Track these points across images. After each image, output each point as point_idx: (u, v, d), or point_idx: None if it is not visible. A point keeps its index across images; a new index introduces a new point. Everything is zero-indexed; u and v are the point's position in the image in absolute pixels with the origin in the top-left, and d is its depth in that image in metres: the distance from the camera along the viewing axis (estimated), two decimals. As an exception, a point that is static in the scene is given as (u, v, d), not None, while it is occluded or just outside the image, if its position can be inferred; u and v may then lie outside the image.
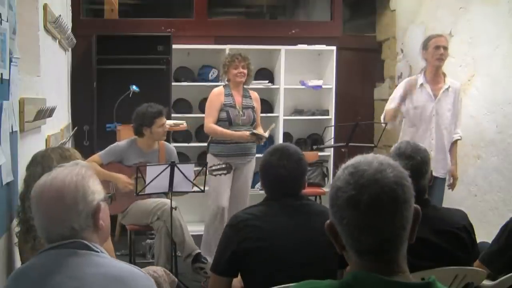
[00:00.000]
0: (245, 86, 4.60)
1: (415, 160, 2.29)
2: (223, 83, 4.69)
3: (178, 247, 4.07)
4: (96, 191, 1.61)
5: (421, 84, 4.15)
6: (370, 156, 1.21)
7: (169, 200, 3.85)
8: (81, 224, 1.56)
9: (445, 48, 4.11)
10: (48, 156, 2.34)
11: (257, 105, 4.62)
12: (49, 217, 1.55)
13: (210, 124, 4.44)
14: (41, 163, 2.30)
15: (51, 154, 2.37)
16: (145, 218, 4.01)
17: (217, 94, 4.49)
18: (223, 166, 4.12)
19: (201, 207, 5.36)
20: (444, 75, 4.20)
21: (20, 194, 2.33)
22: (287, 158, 2.28)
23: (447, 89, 4.13)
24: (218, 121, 4.42)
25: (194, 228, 4.83)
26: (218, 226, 4.40)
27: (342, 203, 1.17)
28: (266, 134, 4.55)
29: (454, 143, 4.21)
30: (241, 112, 4.44)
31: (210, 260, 3.66)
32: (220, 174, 4.14)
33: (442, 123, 4.12)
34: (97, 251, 1.56)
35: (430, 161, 2.38)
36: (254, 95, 4.66)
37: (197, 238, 4.33)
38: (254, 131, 4.49)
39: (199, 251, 4.04)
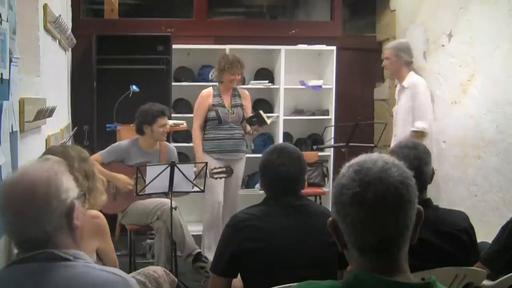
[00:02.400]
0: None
1: (418, 150, 2.30)
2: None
3: (178, 247, 4.07)
4: (70, 188, 1.49)
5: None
6: (375, 155, 1.22)
7: (168, 200, 3.85)
8: (54, 224, 1.44)
9: (386, 58, 4.57)
10: (67, 153, 2.31)
11: (246, 102, 4.69)
12: (20, 217, 1.42)
13: (196, 130, 4.59)
14: None
15: (70, 152, 2.35)
16: (144, 218, 4.01)
17: (206, 96, 4.58)
18: (224, 169, 4.15)
19: (201, 207, 5.36)
20: (408, 75, 4.44)
21: None
22: (287, 156, 2.29)
23: (403, 87, 4.39)
24: (208, 121, 4.52)
25: (194, 228, 4.83)
26: (215, 221, 4.42)
27: (346, 200, 1.17)
28: (268, 121, 4.61)
29: (411, 137, 4.27)
30: (230, 110, 4.53)
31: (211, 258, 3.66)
32: (221, 177, 4.17)
33: (398, 121, 4.45)
34: (68, 259, 1.44)
35: (431, 156, 2.38)
36: (244, 93, 4.73)
37: (197, 238, 4.33)
38: (260, 111, 4.59)
39: (199, 250, 4.04)
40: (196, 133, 4.59)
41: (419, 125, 4.37)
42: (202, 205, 4.74)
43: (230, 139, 4.52)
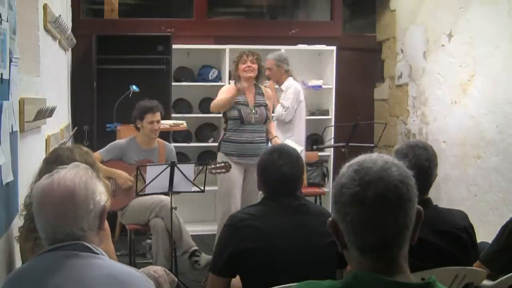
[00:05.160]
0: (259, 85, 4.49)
1: (428, 151, 2.30)
2: (224, 83, 4.62)
3: (176, 245, 4.05)
4: (102, 192, 1.63)
5: None
6: (374, 155, 1.22)
7: (166, 197, 3.85)
8: (90, 224, 1.57)
9: (268, 68, 4.95)
10: (74, 159, 2.31)
11: (270, 102, 4.51)
12: (60, 216, 1.53)
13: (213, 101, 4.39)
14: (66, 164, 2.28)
15: (76, 157, 2.35)
16: (143, 215, 4.03)
17: (229, 87, 4.40)
18: (222, 165, 4.09)
19: (201, 207, 5.37)
20: (286, 80, 5.07)
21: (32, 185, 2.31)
22: (287, 157, 2.29)
23: (282, 90, 5.03)
24: (230, 120, 4.32)
25: (194, 228, 4.83)
26: None
27: (346, 199, 1.17)
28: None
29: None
30: (253, 110, 4.33)
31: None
32: (219, 173, 4.11)
33: None
34: (97, 253, 1.56)
35: (437, 157, 2.38)
36: (267, 92, 4.55)
37: (196, 238, 4.31)
38: None
39: (196, 248, 4.02)
40: (214, 100, 4.36)
41: (277, 109, 4.92)
42: (205, 208, 4.68)
43: (251, 143, 4.30)
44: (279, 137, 4.63)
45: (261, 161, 2.35)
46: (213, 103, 4.40)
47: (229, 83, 4.50)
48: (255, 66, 4.37)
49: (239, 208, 4.24)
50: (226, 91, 4.40)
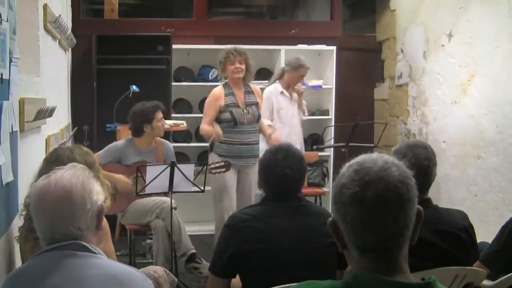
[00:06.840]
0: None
1: (428, 150, 2.30)
2: (222, 83, 4.59)
3: (176, 246, 4.05)
4: (100, 191, 1.63)
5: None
6: (374, 155, 1.22)
7: (168, 199, 3.84)
8: (87, 223, 1.57)
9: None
10: (74, 159, 2.31)
11: (260, 100, 4.49)
12: (57, 216, 1.54)
13: (202, 126, 4.33)
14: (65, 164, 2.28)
15: (77, 157, 2.35)
16: (144, 216, 4.01)
17: (217, 96, 4.32)
18: (222, 164, 4.04)
19: (201, 207, 5.36)
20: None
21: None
22: (291, 158, 2.27)
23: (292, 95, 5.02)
24: (223, 122, 4.26)
25: (194, 228, 4.83)
26: None
27: (346, 199, 1.17)
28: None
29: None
30: (245, 110, 4.30)
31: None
32: (219, 172, 4.08)
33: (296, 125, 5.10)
34: (95, 253, 1.57)
35: (436, 157, 2.37)
36: (256, 90, 4.50)
37: (195, 238, 4.31)
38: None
39: (194, 251, 4.00)
40: (204, 128, 4.30)
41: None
42: (205, 208, 4.65)
43: (246, 145, 4.27)
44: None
45: (264, 160, 2.33)
46: (202, 131, 4.35)
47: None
48: (243, 66, 4.33)
49: (234, 209, 4.23)
50: (212, 101, 4.33)
